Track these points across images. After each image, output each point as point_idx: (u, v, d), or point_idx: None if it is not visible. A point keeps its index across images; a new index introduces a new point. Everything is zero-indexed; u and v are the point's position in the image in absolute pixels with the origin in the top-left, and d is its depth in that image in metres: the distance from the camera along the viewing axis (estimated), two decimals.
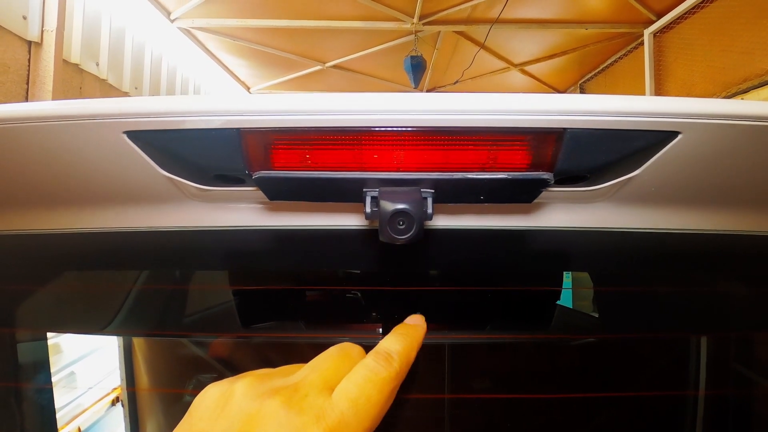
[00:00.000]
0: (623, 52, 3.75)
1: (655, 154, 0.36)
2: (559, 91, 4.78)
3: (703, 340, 0.55)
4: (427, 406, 0.48)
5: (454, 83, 4.28)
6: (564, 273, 0.59)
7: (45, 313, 0.57)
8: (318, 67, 4.15)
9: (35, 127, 0.33)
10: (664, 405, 0.55)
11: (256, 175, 0.35)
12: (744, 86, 2.51)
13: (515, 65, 4.12)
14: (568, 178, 0.38)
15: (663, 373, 0.53)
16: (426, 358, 0.49)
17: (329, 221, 0.44)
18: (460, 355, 0.50)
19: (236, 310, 0.52)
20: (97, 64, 2.91)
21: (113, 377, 0.65)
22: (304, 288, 0.50)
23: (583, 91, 4.40)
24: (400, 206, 0.32)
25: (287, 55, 3.90)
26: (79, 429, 0.75)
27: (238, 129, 0.33)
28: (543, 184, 0.36)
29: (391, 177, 0.36)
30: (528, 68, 4.22)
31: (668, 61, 3.13)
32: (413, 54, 3.42)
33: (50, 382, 0.60)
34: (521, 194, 0.38)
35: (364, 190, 0.36)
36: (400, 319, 0.47)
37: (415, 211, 0.32)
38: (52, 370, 0.63)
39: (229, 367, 0.53)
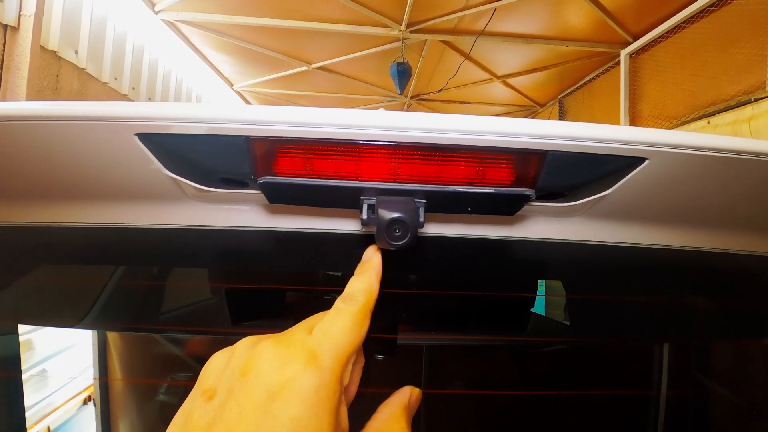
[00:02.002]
0: (601, 71, 3.90)
1: (624, 177, 0.40)
2: (539, 105, 4.93)
3: (664, 347, 0.60)
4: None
5: (439, 91, 4.35)
6: (538, 281, 0.63)
7: (18, 305, 0.57)
8: (303, 68, 4.15)
9: (48, 125, 0.34)
10: (627, 406, 0.60)
11: (261, 179, 0.37)
12: (711, 110, 2.66)
13: (498, 77, 4.22)
14: (547, 194, 0.41)
15: (626, 376, 0.57)
16: (407, 354, 0.52)
17: (325, 225, 0.47)
18: (441, 354, 0.53)
19: (226, 307, 0.54)
20: (76, 53, 2.84)
21: (85, 376, 0.65)
22: (297, 288, 0.53)
23: (562, 105, 4.55)
24: (397, 215, 0.35)
25: (273, 54, 3.89)
26: (49, 428, 0.74)
27: (246, 137, 0.35)
28: (525, 199, 0.39)
29: (387, 187, 0.38)
30: (510, 80, 4.34)
31: (642, 82, 3.28)
32: (400, 60, 3.47)
33: (20, 379, 0.60)
34: (505, 207, 0.41)
35: (362, 198, 0.39)
36: (388, 320, 0.50)
37: (410, 219, 0.35)
38: (23, 366, 0.62)
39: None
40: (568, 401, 0.58)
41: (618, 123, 3.40)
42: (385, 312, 0.44)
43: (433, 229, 0.49)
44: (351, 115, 0.35)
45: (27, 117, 0.33)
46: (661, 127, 3.04)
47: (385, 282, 0.51)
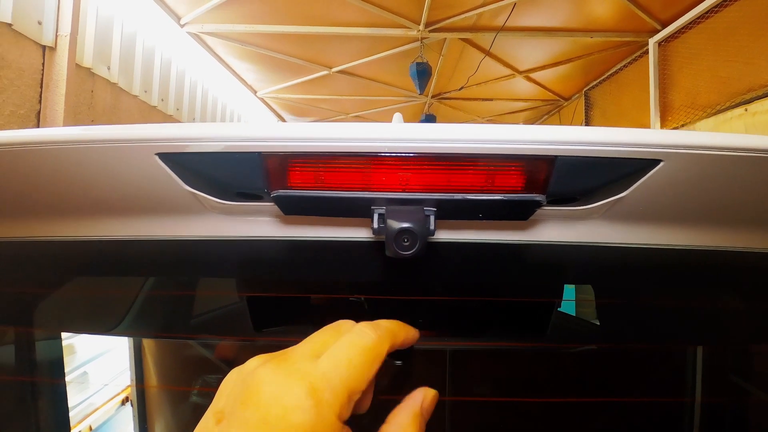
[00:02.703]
0: (628, 61, 3.77)
1: (640, 179, 0.39)
2: (564, 98, 4.81)
3: (695, 350, 0.58)
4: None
5: (459, 89, 4.32)
6: (565, 285, 0.62)
7: (61, 314, 0.60)
8: (324, 72, 4.20)
9: (74, 149, 0.37)
10: (657, 408, 0.58)
11: (274, 193, 0.39)
12: (748, 96, 2.53)
13: (520, 72, 4.15)
14: (559, 198, 0.41)
15: (647, 379, 0.56)
16: (427, 363, 0.53)
17: (339, 234, 0.48)
18: (460, 360, 0.53)
19: (248, 314, 0.56)
20: (108, 68, 2.98)
21: (123, 377, 0.68)
22: (313, 295, 0.54)
23: (588, 98, 4.42)
24: (405, 225, 0.36)
25: (294, 60, 3.96)
26: (91, 428, 0.78)
27: (259, 153, 0.37)
28: (536, 204, 0.39)
29: (397, 197, 0.39)
30: (533, 75, 4.25)
31: (673, 71, 3.15)
32: (419, 60, 3.46)
33: (64, 381, 0.63)
34: (517, 213, 0.41)
35: (372, 208, 0.40)
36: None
37: (419, 229, 0.36)
38: (66, 369, 0.66)
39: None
40: (593, 405, 0.57)
41: (647, 114, 3.28)
42: (405, 317, 0.45)
43: (450, 235, 0.49)
44: (358, 129, 0.36)
45: (60, 141, 0.36)
46: (695, 117, 2.91)
47: (406, 288, 0.52)
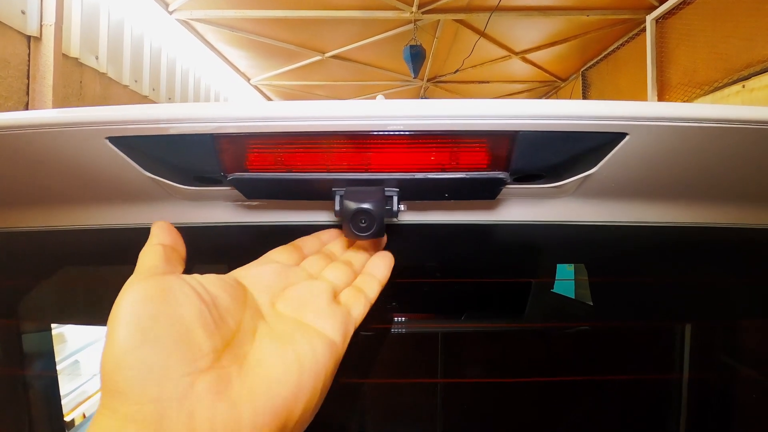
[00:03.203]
0: (625, 39, 3.71)
1: (607, 154, 0.38)
2: (561, 79, 4.74)
3: (671, 327, 0.58)
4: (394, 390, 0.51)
5: (455, 72, 4.26)
6: (565, 265, 0.61)
7: (49, 305, 0.60)
8: (318, 58, 4.14)
9: (23, 134, 0.36)
10: (640, 386, 0.58)
11: (231, 176, 0.38)
12: (746, 72, 2.49)
13: (516, 53, 4.08)
14: (527, 176, 0.40)
15: (631, 357, 0.55)
16: (393, 342, 0.52)
17: (303, 218, 0.47)
18: (434, 342, 0.53)
19: None
20: (97, 58, 2.93)
21: None
22: None
23: (585, 78, 4.36)
24: (362, 206, 0.35)
25: (287, 45, 3.89)
26: (84, 415, 0.79)
27: (211, 135, 0.36)
28: (500, 182, 0.38)
29: (358, 177, 0.38)
30: (529, 56, 4.19)
31: (670, 48, 3.10)
32: (413, 43, 3.41)
33: (55, 371, 0.63)
34: (483, 192, 0.40)
35: (333, 189, 0.39)
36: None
37: (377, 210, 0.35)
38: (57, 359, 0.66)
39: None
40: (579, 383, 0.57)
41: (645, 93, 3.23)
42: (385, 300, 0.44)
43: (419, 217, 0.48)
44: (316, 107, 0.35)
45: (7, 127, 0.35)
46: (692, 95, 2.87)
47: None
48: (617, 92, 3.81)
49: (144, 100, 3.46)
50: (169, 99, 3.78)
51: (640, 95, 3.37)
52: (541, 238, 0.52)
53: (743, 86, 2.48)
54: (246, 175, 0.38)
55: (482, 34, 3.62)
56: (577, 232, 0.50)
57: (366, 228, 0.35)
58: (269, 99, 5.49)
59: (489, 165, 0.38)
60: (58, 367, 0.69)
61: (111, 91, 3.10)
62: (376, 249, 0.42)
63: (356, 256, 0.41)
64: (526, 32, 3.72)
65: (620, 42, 3.75)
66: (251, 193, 0.40)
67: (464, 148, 0.37)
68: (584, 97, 4.27)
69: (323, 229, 0.44)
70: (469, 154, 0.37)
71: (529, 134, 0.35)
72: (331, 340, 0.31)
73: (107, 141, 0.36)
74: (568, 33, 3.71)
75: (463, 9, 3.31)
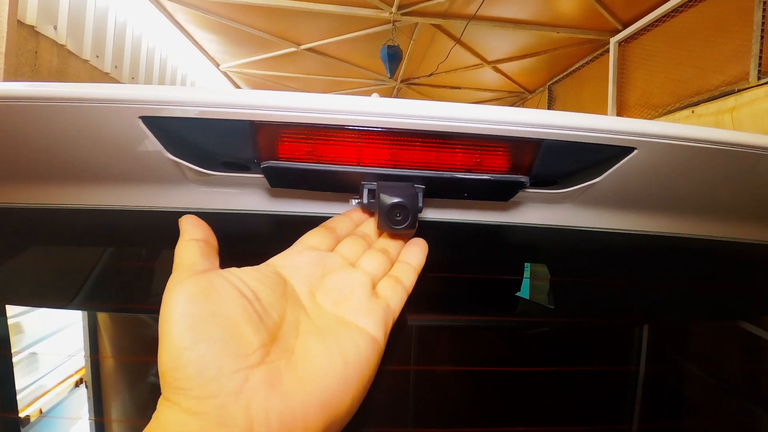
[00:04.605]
0: (590, 58, 3.92)
1: (614, 165, 0.42)
2: (529, 91, 4.93)
3: (644, 328, 0.63)
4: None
5: (429, 76, 4.32)
6: (524, 265, 0.65)
7: (6, 286, 0.57)
8: (292, 49, 4.07)
9: (51, 106, 0.34)
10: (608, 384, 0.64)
11: (265, 164, 0.38)
12: (695, 99, 2.70)
13: (489, 62, 4.21)
14: (540, 181, 0.43)
15: (610, 355, 0.60)
16: (406, 337, 0.54)
17: (323, 209, 0.48)
18: (435, 335, 0.55)
19: None
20: (55, 28, 2.74)
21: (77, 359, 0.65)
22: None
23: (551, 92, 4.56)
24: (398, 200, 0.36)
25: (261, 34, 3.80)
26: (41, 411, 0.74)
27: (251, 121, 0.36)
28: (520, 186, 0.41)
29: (388, 173, 0.39)
30: (500, 66, 4.33)
31: (630, 70, 3.31)
32: (390, 44, 3.43)
33: (10, 363, 0.60)
34: (500, 193, 0.43)
35: (362, 183, 0.40)
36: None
37: (411, 204, 0.37)
38: (13, 350, 0.63)
39: None
40: (556, 380, 0.61)
41: (605, 110, 3.44)
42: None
43: (434, 215, 0.50)
44: (353, 102, 0.36)
45: (30, 98, 0.33)
46: (647, 116, 3.09)
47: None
48: (580, 107, 4.02)
49: (104, 77, 3.27)
50: (132, 78, 3.59)
51: (600, 112, 3.58)
52: (538, 240, 0.55)
53: (692, 111, 2.70)
54: (279, 163, 0.38)
55: (458, 41, 3.71)
56: (572, 237, 0.54)
57: (401, 221, 0.37)
58: (238, 87, 5.33)
59: (510, 169, 0.40)
60: (14, 359, 0.65)
61: (69, 64, 2.90)
62: (408, 235, 0.43)
63: (391, 243, 0.41)
64: (499, 43, 3.84)
65: (585, 60, 3.96)
66: (280, 181, 0.41)
67: (490, 151, 0.39)
68: (549, 110, 4.47)
69: None
70: (494, 158, 0.40)
71: (551, 143, 0.38)
72: (373, 337, 0.32)
73: (140, 120, 0.36)
74: (538, 47, 3.87)
75: (441, 14, 3.38)
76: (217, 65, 4.68)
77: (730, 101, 2.41)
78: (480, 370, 0.56)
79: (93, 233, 0.50)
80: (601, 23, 3.33)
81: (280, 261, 0.35)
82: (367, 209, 0.41)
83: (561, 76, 4.37)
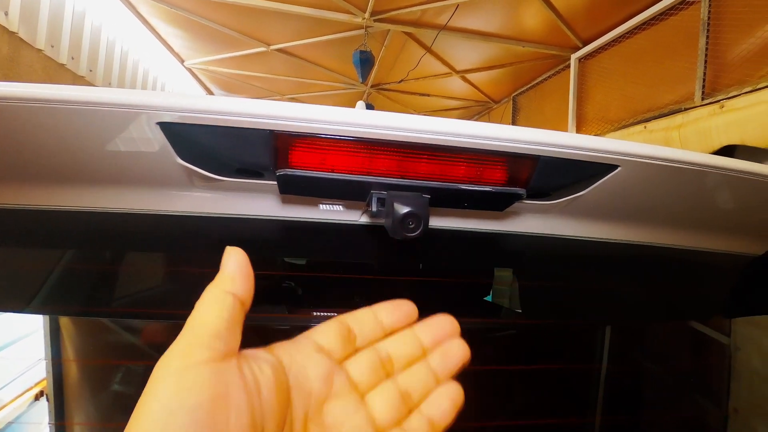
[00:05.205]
0: (552, 72, 4.12)
1: (598, 181, 0.46)
2: (494, 101, 5.11)
3: (607, 329, 0.69)
4: None
5: (399, 82, 4.39)
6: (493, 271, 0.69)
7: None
8: (261, 49, 4.02)
9: (69, 109, 0.34)
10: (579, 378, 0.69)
11: (280, 172, 0.39)
12: (647, 116, 2.91)
13: (457, 72, 4.33)
14: (532, 193, 0.47)
15: (578, 353, 0.65)
16: None
17: (329, 216, 0.49)
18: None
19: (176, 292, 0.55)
20: (6, 14, 2.57)
21: (38, 370, 0.62)
22: (292, 275, 0.55)
23: (515, 103, 4.75)
24: (411, 209, 0.39)
25: (229, 31, 3.72)
26: None
27: (270, 131, 0.37)
28: (517, 197, 0.44)
29: (397, 182, 0.42)
30: (468, 76, 4.46)
31: (589, 86, 3.51)
32: (363, 49, 3.46)
33: None
34: (498, 204, 0.46)
35: (372, 192, 0.42)
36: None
37: (422, 213, 0.39)
38: None
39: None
40: (529, 379, 0.65)
41: (566, 122, 3.62)
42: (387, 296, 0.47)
43: (434, 223, 0.53)
44: (368, 115, 0.38)
45: (49, 100, 0.33)
46: (604, 130, 3.28)
47: (387, 269, 0.55)
48: (543, 119, 4.21)
49: (60, 68, 3.09)
50: (91, 71, 3.41)
51: (561, 124, 3.77)
52: (522, 247, 0.59)
53: (645, 127, 2.90)
54: (295, 171, 0.39)
55: (428, 49, 3.79)
56: (553, 244, 0.59)
57: (413, 229, 0.39)
58: (203, 84, 5.18)
59: (509, 181, 0.44)
60: None
61: (21, 53, 2.72)
62: (443, 342, 0.33)
63: (418, 376, 0.31)
64: (468, 53, 3.97)
65: (548, 74, 4.16)
66: (292, 188, 0.42)
67: (492, 165, 0.42)
68: (514, 120, 4.66)
69: (349, 227, 0.46)
70: (495, 171, 0.43)
71: (547, 159, 0.42)
72: None
73: (157, 126, 0.36)
74: (504, 60, 4.03)
75: (413, 23, 3.45)
76: (182, 61, 4.53)
77: (678, 119, 2.61)
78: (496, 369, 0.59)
79: (92, 236, 0.49)
80: (564, 40, 3.51)
81: (288, 357, 0.28)
82: (376, 216, 0.43)
83: (525, 88, 4.56)
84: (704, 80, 2.52)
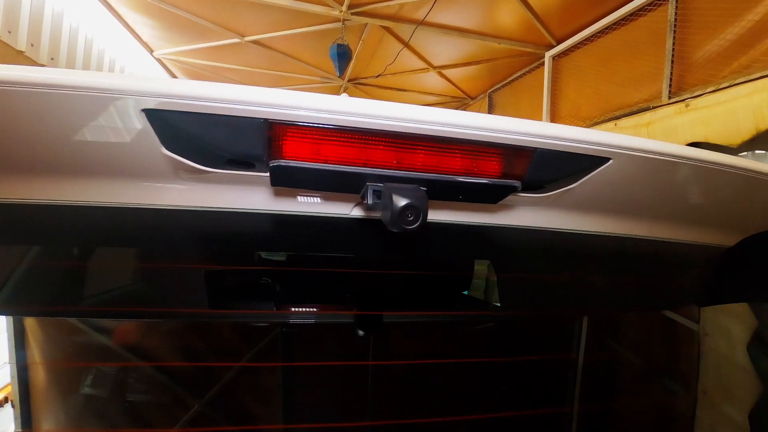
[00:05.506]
0: (527, 69, 4.19)
1: (590, 173, 0.46)
2: (470, 97, 5.15)
3: (584, 320, 0.71)
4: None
5: (376, 77, 4.36)
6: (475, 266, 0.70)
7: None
8: (235, 40, 3.91)
9: (43, 94, 0.32)
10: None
11: (273, 162, 0.38)
12: (618, 113, 3.00)
13: (434, 67, 4.34)
14: (525, 186, 0.47)
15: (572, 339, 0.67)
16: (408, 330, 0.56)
17: (322, 209, 0.48)
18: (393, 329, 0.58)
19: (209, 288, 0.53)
20: None
21: (1, 375, 0.59)
22: (283, 269, 0.53)
23: (491, 99, 4.81)
24: (410, 201, 0.38)
25: (201, 21, 3.60)
26: None
27: (264, 119, 0.35)
28: (512, 189, 0.44)
29: (393, 174, 0.41)
30: (445, 72, 4.48)
31: (563, 83, 3.59)
32: (340, 42, 3.42)
33: None
34: (492, 196, 0.46)
35: (368, 184, 0.41)
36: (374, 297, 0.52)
37: (422, 205, 0.38)
38: None
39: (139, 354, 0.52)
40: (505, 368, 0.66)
41: (540, 119, 3.70)
42: (369, 292, 0.47)
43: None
44: (368, 105, 0.37)
45: (20, 83, 0.30)
46: (577, 126, 3.36)
47: (376, 264, 0.54)
48: (518, 115, 4.29)
49: (19, 56, 2.91)
50: (52, 59, 3.23)
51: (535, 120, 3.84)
52: (510, 241, 0.60)
53: (615, 124, 2.99)
54: (289, 162, 0.38)
55: (406, 44, 3.78)
56: (541, 237, 0.59)
57: (412, 221, 0.38)
58: (173, 75, 5.00)
59: (506, 174, 0.43)
60: None
61: None
62: None
63: None
64: (445, 49, 3.98)
65: (523, 71, 4.23)
66: (285, 180, 0.40)
67: (488, 157, 0.42)
68: None
69: (342, 220, 0.45)
70: (490, 163, 0.43)
71: (543, 151, 0.42)
72: None
73: (142, 113, 0.34)
74: (480, 56, 4.06)
75: (391, 17, 3.43)
76: (151, 51, 4.36)
77: (647, 116, 2.71)
78: (427, 361, 0.59)
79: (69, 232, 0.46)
80: (538, 38, 3.57)
81: None
82: (371, 209, 0.42)
83: (501, 84, 4.62)
84: (671, 79, 2.62)
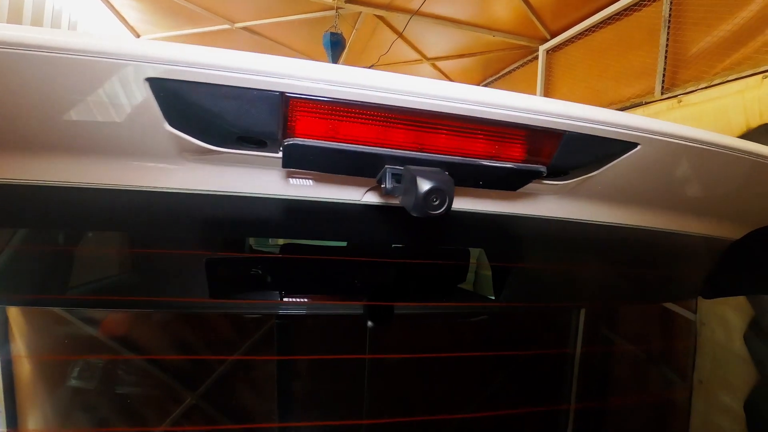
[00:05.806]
0: (521, 63, 4.18)
1: (614, 160, 0.44)
2: None
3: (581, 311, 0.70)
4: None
5: (370, 67, 4.31)
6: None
7: None
8: (226, 26, 3.81)
9: (46, 57, 0.28)
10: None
11: (288, 141, 0.35)
12: (611, 108, 3.01)
13: (428, 59, 4.30)
14: (552, 172, 0.45)
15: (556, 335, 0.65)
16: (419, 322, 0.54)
17: (331, 194, 0.45)
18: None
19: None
20: None
21: None
22: (277, 257, 0.50)
23: None
24: (436, 184, 0.35)
25: (190, 6, 3.50)
26: None
27: (281, 93, 0.32)
28: (537, 174, 0.42)
29: (414, 156, 0.38)
30: (439, 63, 4.45)
31: (556, 77, 3.59)
32: (333, 30, 3.35)
33: None
34: (514, 183, 0.44)
35: (387, 166, 0.38)
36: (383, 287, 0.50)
37: (448, 188, 0.36)
38: None
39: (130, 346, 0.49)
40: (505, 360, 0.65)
41: None
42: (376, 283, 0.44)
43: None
44: (394, 78, 0.34)
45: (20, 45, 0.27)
46: None
47: (388, 252, 0.52)
48: None
49: None
50: None
51: None
52: (528, 231, 0.58)
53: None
54: (305, 141, 0.35)
55: (400, 34, 3.73)
56: (551, 228, 0.58)
57: (438, 206, 0.35)
58: None
59: (531, 159, 0.41)
60: None
61: None
62: None
63: None
64: (439, 41, 3.94)
65: (517, 65, 4.21)
66: (299, 161, 0.37)
67: (513, 140, 0.40)
68: None
69: (354, 206, 0.42)
70: (515, 146, 0.40)
71: (572, 134, 0.40)
72: None
73: (146, 82, 0.31)
74: (475, 49, 4.04)
75: (385, 6, 3.37)
76: (138, 36, 4.23)
77: (639, 112, 2.72)
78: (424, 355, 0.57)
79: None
80: (533, 31, 3.56)
81: None
82: (389, 194, 0.39)
83: (494, 77, 4.60)
84: (664, 75, 2.63)
